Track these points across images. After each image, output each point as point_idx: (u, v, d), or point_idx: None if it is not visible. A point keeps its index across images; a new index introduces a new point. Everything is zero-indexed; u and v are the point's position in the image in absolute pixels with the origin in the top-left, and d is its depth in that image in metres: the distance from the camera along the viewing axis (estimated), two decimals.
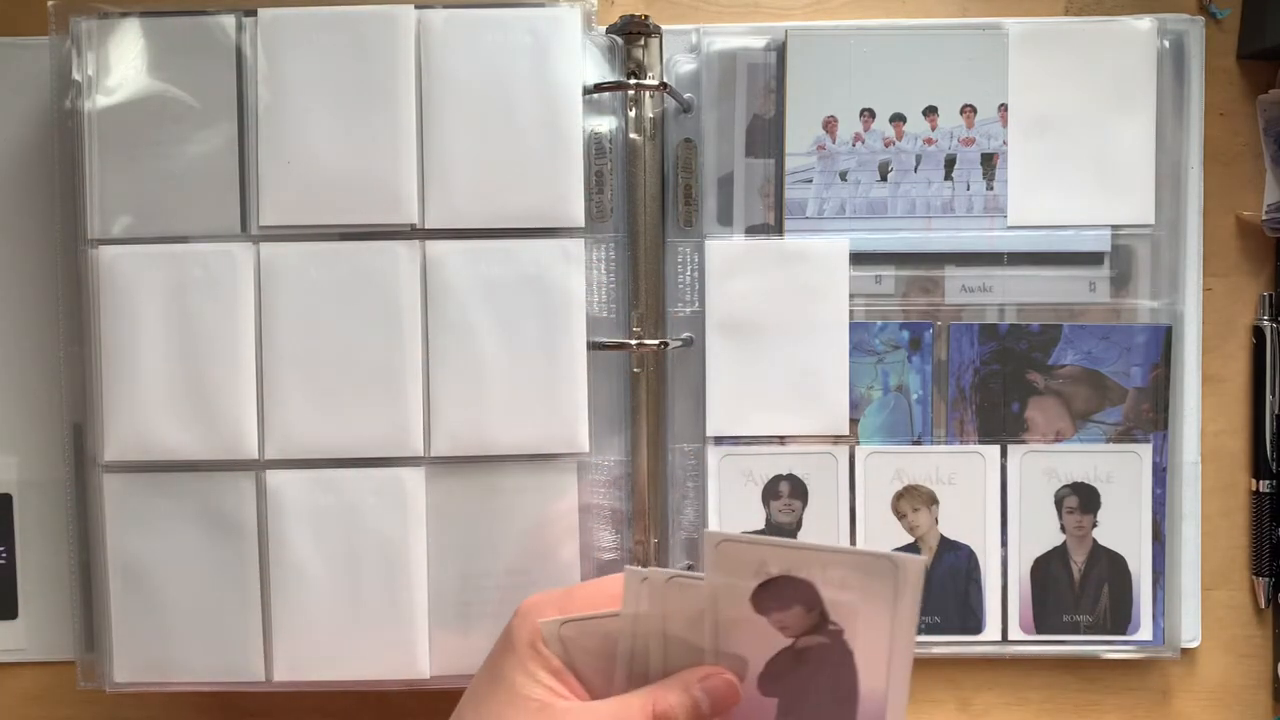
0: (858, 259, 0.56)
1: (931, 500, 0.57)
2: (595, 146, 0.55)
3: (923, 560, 0.42)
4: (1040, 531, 0.57)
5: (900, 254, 0.56)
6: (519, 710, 0.43)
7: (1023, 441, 0.57)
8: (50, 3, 0.55)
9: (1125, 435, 0.56)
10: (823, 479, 0.57)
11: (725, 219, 0.56)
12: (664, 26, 0.56)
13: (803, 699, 0.44)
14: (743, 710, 0.44)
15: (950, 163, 0.56)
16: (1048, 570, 0.57)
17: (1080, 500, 0.57)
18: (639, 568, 0.44)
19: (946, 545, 0.57)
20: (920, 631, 0.57)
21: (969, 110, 0.56)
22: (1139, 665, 0.58)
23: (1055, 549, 0.57)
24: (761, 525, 0.57)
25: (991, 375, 0.56)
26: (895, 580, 0.42)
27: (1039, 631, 0.57)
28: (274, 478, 0.55)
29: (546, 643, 0.45)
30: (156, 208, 0.55)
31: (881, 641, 0.43)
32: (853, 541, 0.57)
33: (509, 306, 0.54)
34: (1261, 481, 0.58)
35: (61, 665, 0.58)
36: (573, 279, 0.55)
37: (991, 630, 0.57)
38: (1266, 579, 0.58)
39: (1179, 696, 0.58)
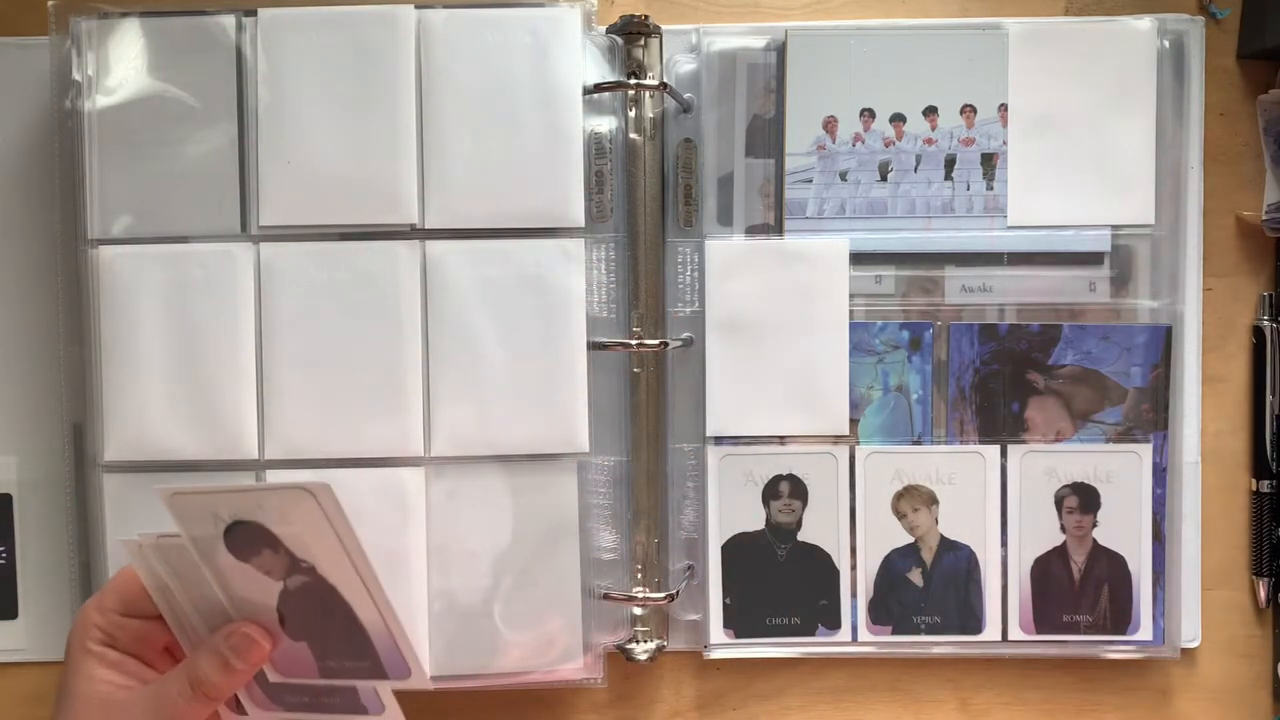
0: (858, 259, 0.56)
1: (931, 500, 0.57)
2: (595, 146, 0.55)
3: (326, 483, 0.43)
4: (1040, 531, 0.57)
5: (900, 254, 0.56)
6: (86, 711, 0.45)
7: (1023, 441, 0.56)
8: (50, 3, 0.55)
9: (1125, 435, 0.56)
10: (823, 479, 0.57)
11: (725, 219, 0.56)
12: (664, 26, 0.56)
13: (324, 639, 0.46)
14: (286, 658, 0.46)
15: (950, 163, 0.56)
16: (1048, 570, 0.57)
17: (1080, 500, 0.57)
18: (133, 536, 0.45)
19: (946, 545, 0.57)
20: (920, 631, 0.57)
21: (969, 110, 0.56)
22: (1139, 665, 0.58)
23: (1055, 549, 0.57)
24: (762, 525, 0.57)
25: (991, 375, 0.56)
26: (320, 507, 0.43)
27: (1039, 631, 0.57)
28: (274, 478, 0.55)
29: (139, 566, 0.46)
30: (156, 208, 0.55)
31: (349, 571, 0.44)
32: (853, 540, 0.57)
33: (509, 306, 0.54)
34: (1261, 481, 0.58)
35: (61, 665, 0.58)
36: (573, 279, 0.55)
37: (991, 630, 0.57)
38: (1266, 579, 0.58)
39: (1179, 696, 0.58)
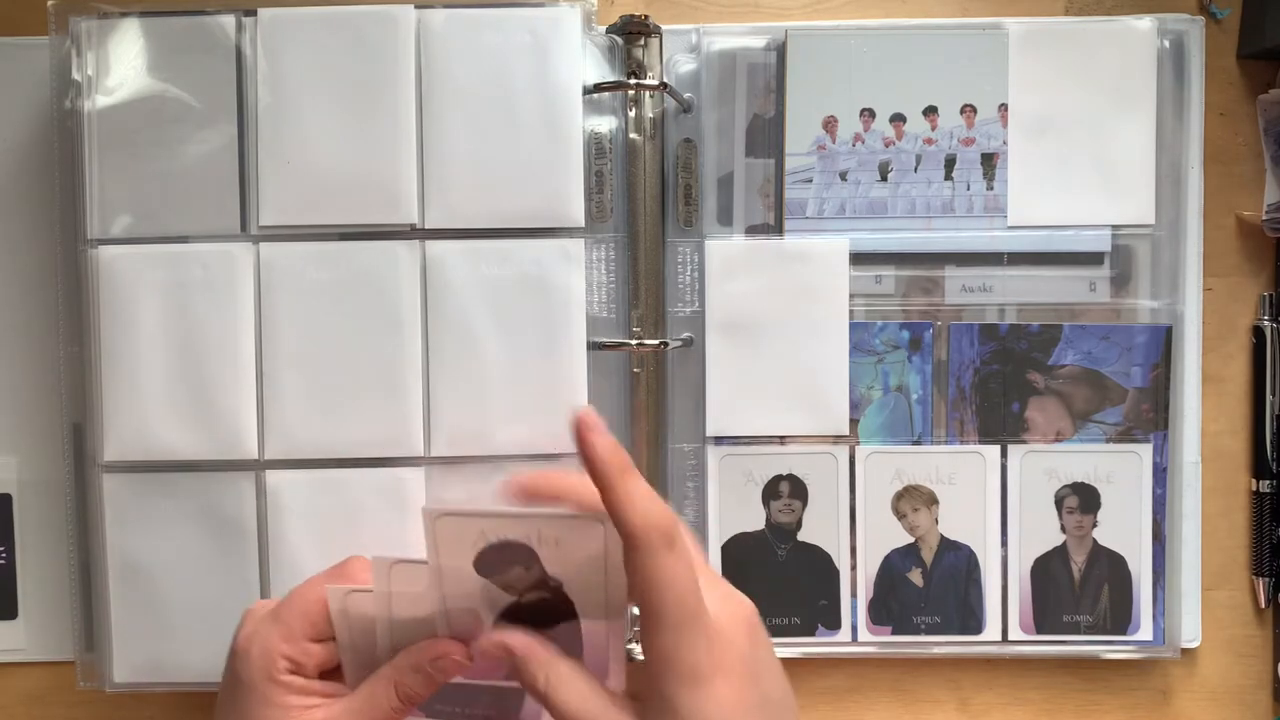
0: (858, 259, 0.56)
1: (931, 500, 0.57)
2: (595, 146, 0.55)
3: None
4: (1040, 531, 0.57)
5: (900, 254, 0.56)
6: None
7: (1023, 441, 0.57)
8: (50, 3, 0.55)
9: (1125, 435, 0.56)
10: (823, 479, 0.57)
11: (725, 219, 0.56)
12: (664, 26, 0.56)
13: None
14: (480, 668, 0.45)
15: (950, 163, 0.56)
16: (1048, 570, 0.57)
17: (1080, 500, 0.57)
18: (384, 556, 0.44)
19: (946, 545, 0.57)
20: (920, 631, 0.57)
21: (969, 110, 0.56)
22: (1139, 665, 0.58)
23: (1055, 549, 0.57)
24: (762, 525, 0.57)
25: (991, 375, 0.56)
26: (604, 538, 0.41)
27: (1039, 631, 0.57)
28: (274, 478, 0.55)
29: (332, 616, 0.44)
30: (156, 208, 0.55)
31: (598, 592, 0.42)
32: (853, 540, 0.57)
33: (509, 306, 0.54)
34: (1261, 481, 0.58)
35: (61, 665, 0.58)
36: (573, 279, 0.55)
37: (991, 630, 0.57)
38: (1266, 579, 0.58)
39: (1179, 696, 0.58)
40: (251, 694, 0.45)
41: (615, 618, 0.43)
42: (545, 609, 0.44)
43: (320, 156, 0.54)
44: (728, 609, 0.41)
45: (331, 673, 0.47)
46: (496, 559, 0.43)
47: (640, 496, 0.40)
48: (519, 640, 0.42)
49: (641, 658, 0.40)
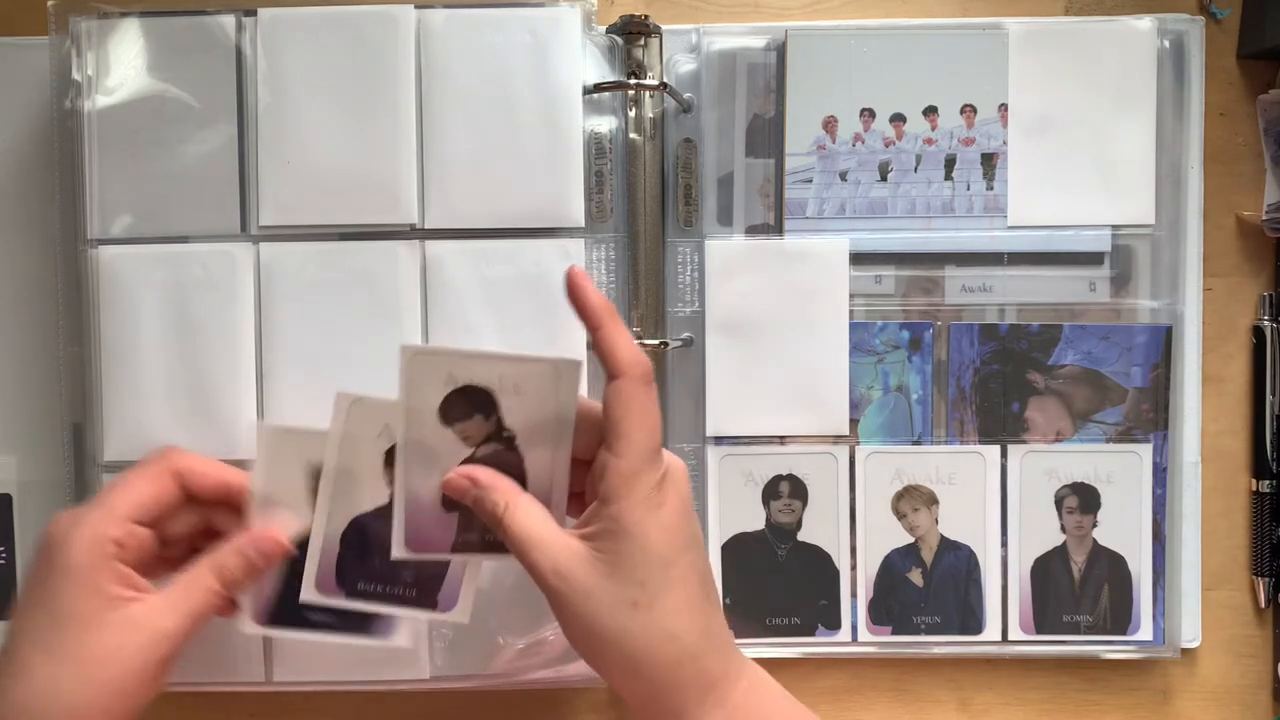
0: (858, 259, 0.56)
1: (931, 500, 0.57)
2: (595, 146, 0.55)
3: (579, 361, 0.46)
4: (1040, 531, 0.57)
5: (900, 254, 0.56)
6: (107, 631, 0.43)
7: (1023, 441, 0.57)
8: (50, 3, 0.55)
9: (1125, 435, 0.56)
10: (823, 479, 0.57)
11: (725, 219, 0.56)
12: (664, 26, 0.56)
13: None
14: (425, 530, 0.48)
15: (950, 163, 0.56)
16: (1048, 570, 0.57)
17: (1080, 500, 0.57)
18: (347, 391, 0.48)
19: (946, 545, 0.57)
20: (920, 631, 0.57)
21: (969, 110, 0.56)
22: (1139, 665, 0.58)
23: (1055, 549, 0.57)
24: (761, 525, 0.57)
25: (991, 375, 0.56)
26: (556, 382, 0.46)
27: (1039, 632, 0.57)
28: None
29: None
30: (156, 208, 0.55)
31: (546, 447, 0.47)
32: (853, 540, 0.57)
33: (509, 306, 0.54)
34: (1261, 481, 0.58)
35: None
36: None
37: (991, 630, 0.57)
38: (1266, 579, 0.58)
39: (1179, 696, 0.58)
40: (72, 581, 0.43)
41: (559, 471, 0.47)
42: (496, 466, 0.47)
43: (320, 156, 0.54)
44: (671, 458, 0.46)
45: (149, 569, 0.47)
46: (461, 402, 0.47)
47: (627, 336, 0.45)
48: (484, 472, 0.46)
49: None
